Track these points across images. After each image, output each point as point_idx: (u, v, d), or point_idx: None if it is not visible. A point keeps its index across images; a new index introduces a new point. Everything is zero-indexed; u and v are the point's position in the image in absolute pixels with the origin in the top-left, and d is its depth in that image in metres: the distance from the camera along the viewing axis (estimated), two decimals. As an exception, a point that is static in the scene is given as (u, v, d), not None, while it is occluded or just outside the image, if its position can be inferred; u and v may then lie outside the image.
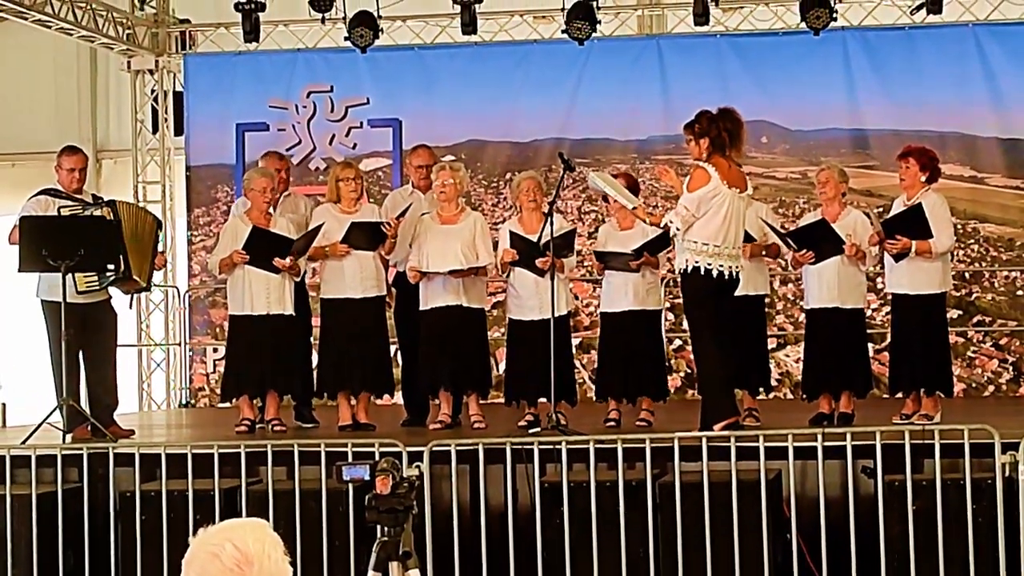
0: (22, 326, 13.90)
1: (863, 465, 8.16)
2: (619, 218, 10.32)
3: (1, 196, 14.70)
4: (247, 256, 10.12)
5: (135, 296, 11.55)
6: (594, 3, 13.36)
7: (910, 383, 9.77)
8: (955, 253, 12.01)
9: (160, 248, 10.52)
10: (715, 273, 9.00)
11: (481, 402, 10.36)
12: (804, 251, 9.85)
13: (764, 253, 10.18)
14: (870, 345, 10.50)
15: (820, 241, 9.82)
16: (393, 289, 10.85)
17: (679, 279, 9.32)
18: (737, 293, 9.28)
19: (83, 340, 9.98)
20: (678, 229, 9.02)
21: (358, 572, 8.01)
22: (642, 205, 9.74)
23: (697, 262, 8.99)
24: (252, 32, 13.93)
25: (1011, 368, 13.71)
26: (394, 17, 14.14)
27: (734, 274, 9.10)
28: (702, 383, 9.45)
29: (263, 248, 10.14)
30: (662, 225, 9.25)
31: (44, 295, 9.88)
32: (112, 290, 10.23)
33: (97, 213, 9.95)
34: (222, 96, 14.91)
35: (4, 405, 12.28)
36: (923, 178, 9.73)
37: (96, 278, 9.89)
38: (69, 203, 10.01)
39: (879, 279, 11.62)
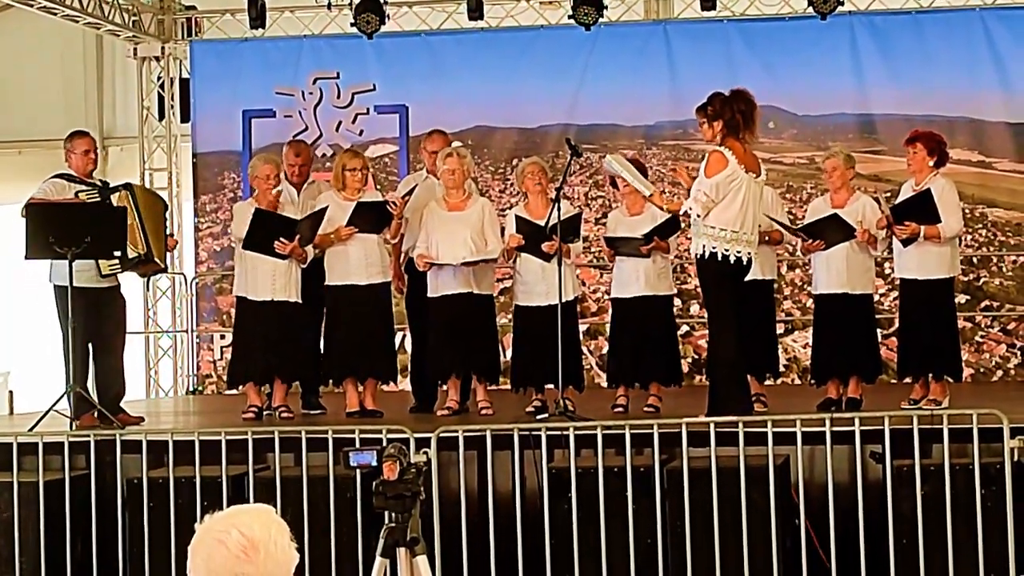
0: (31, 312, 13.92)
1: (871, 450, 8.14)
2: (628, 203, 10.26)
3: (8, 184, 14.70)
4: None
5: (150, 279, 11.54)
6: (600, -12, 13.33)
7: (918, 368, 9.75)
8: (963, 238, 11.97)
9: (168, 231, 10.54)
10: (732, 259, 8.94)
11: (488, 388, 10.34)
12: (814, 240, 9.81)
13: (767, 239, 10.12)
14: (878, 330, 10.47)
15: (830, 229, 9.78)
16: (405, 275, 10.80)
17: (696, 264, 9.26)
18: (746, 278, 9.23)
19: (92, 327, 9.97)
20: (698, 216, 8.93)
21: (365, 558, 8.02)
22: (658, 192, 9.67)
23: (714, 248, 8.91)
24: (258, 18, 13.92)
25: (1019, 353, 13.67)
26: (400, 3, 14.13)
27: (750, 259, 9.05)
28: (714, 369, 9.36)
29: (266, 231, 10.07)
30: (681, 213, 9.19)
31: (56, 280, 9.85)
32: (121, 277, 10.22)
33: (115, 197, 9.94)
34: (228, 83, 14.89)
35: (11, 392, 12.27)
36: (931, 163, 9.69)
37: (119, 262, 9.87)
38: (84, 188, 9.99)
39: (887, 264, 11.60)
